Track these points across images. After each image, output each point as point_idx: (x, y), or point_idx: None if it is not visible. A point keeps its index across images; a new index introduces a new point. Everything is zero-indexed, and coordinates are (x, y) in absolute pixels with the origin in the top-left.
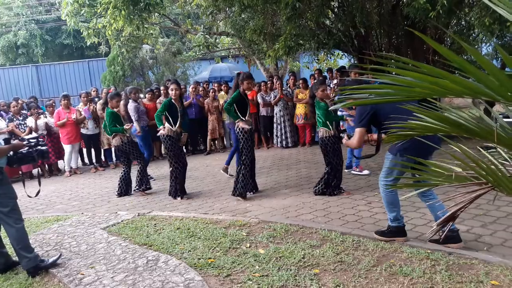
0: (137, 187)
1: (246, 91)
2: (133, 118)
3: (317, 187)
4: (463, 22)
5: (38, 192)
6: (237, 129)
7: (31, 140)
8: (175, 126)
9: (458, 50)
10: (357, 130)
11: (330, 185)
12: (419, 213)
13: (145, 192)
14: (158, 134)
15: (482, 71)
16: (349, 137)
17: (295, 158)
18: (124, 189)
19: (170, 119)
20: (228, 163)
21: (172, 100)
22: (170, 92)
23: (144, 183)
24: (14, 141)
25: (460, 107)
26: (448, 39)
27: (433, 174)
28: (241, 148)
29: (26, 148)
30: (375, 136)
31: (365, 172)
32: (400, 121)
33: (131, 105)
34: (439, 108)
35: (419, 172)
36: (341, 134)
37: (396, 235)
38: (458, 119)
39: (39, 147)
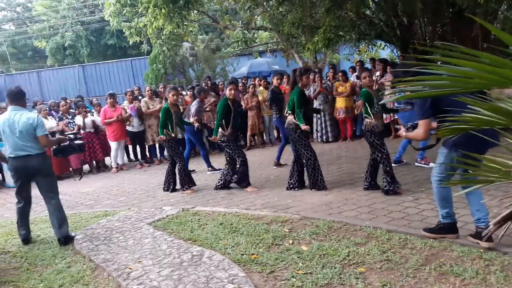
0: (181, 187)
1: (305, 88)
2: (191, 117)
3: (365, 182)
4: None
5: (81, 175)
6: (291, 129)
7: (70, 136)
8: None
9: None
10: (422, 122)
11: (375, 178)
12: (469, 210)
13: (191, 189)
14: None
15: None
16: (407, 128)
17: (336, 153)
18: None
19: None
20: (278, 158)
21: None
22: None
23: (187, 181)
24: (59, 136)
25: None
26: (498, 25)
27: (489, 170)
28: (299, 145)
29: (68, 141)
30: (435, 124)
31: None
32: (455, 114)
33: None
34: (493, 98)
35: (474, 168)
36: (396, 126)
37: (447, 232)
38: None
39: (78, 141)
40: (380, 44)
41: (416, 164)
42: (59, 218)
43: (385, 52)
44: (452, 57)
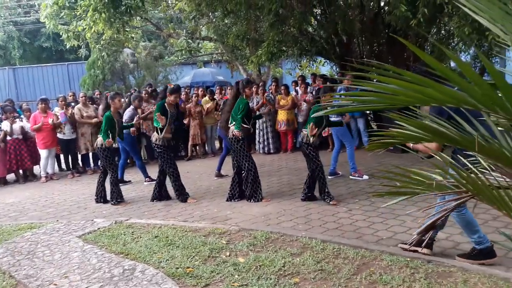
0: (110, 199)
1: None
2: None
3: (303, 193)
4: (442, 31)
5: None
6: (233, 140)
7: None
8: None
9: (437, 58)
10: None
11: (313, 189)
12: (398, 220)
13: (120, 203)
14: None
15: (465, 80)
16: None
17: (277, 165)
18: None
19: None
20: (219, 169)
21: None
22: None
23: (116, 195)
24: None
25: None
26: (428, 47)
27: (414, 182)
28: (240, 156)
29: None
30: None
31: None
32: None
33: (131, 111)
34: (419, 116)
35: (400, 180)
36: None
37: (485, 257)
38: (438, 127)
39: None
40: (321, 60)
41: (351, 177)
42: None
43: (325, 68)
44: (382, 75)
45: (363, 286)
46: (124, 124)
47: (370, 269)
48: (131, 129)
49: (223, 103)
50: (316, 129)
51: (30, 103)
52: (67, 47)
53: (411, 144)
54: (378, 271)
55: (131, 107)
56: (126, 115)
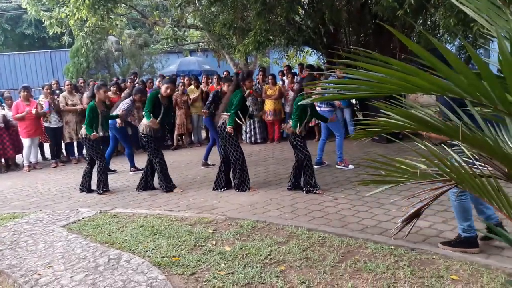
0: (97, 188)
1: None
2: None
3: (289, 183)
4: (428, 22)
5: None
6: (223, 128)
7: None
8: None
9: (424, 48)
10: None
11: (299, 179)
12: (383, 209)
13: (106, 192)
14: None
15: (451, 69)
16: None
17: (263, 154)
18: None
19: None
20: (205, 158)
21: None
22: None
23: (102, 184)
24: None
25: (424, 106)
26: (414, 38)
27: (399, 171)
28: (228, 145)
29: None
30: None
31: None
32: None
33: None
34: (405, 105)
35: (385, 169)
36: None
37: (468, 246)
38: (424, 116)
39: None
40: (308, 50)
41: (337, 166)
42: None
43: (312, 58)
44: (369, 63)
45: (348, 273)
46: (111, 114)
47: (355, 257)
48: (118, 121)
49: (213, 95)
50: (302, 126)
51: (12, 91)
52: (50, 34)
53: (423, 133)
54: (362, 258)
55: (130, 99)
56: (123, 106)
